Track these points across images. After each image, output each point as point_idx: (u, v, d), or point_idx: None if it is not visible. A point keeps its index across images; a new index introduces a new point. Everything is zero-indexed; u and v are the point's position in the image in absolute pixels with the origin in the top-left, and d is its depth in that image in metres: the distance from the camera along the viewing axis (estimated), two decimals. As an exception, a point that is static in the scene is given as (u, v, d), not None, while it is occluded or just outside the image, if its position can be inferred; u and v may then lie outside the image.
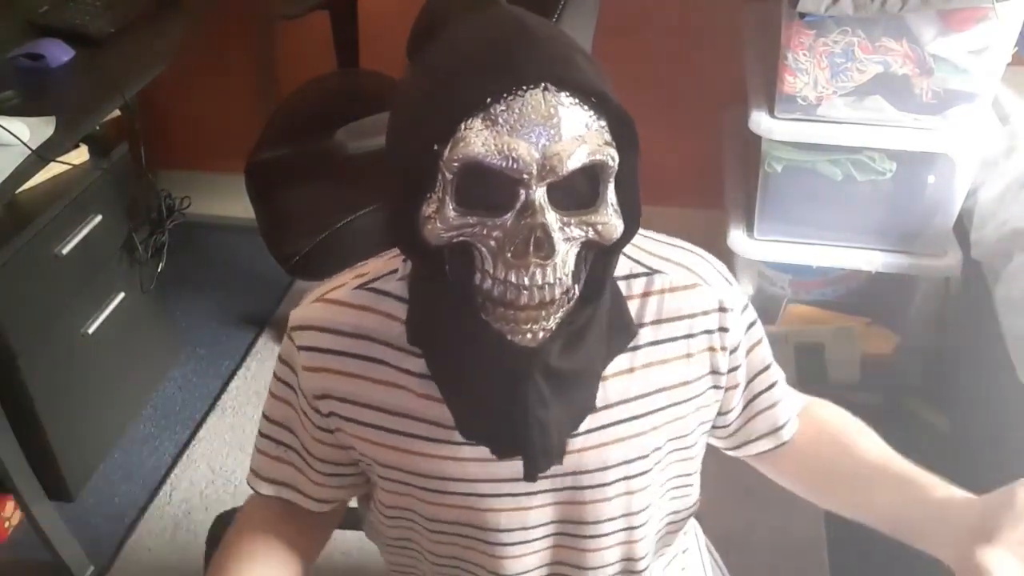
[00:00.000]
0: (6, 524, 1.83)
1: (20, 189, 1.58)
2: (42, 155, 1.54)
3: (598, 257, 0.74)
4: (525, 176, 0.67)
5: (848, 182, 1.82)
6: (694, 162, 2.32)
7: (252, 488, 0.96)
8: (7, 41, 1.80)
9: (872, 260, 1.89)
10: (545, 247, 0.68)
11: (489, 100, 0.67)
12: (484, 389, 0.78)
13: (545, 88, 0.67)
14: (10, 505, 1.82)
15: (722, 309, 0.87)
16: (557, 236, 0.69)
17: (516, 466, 0.80)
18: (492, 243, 0.70)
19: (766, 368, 0.94)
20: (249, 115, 2.35)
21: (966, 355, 1.95)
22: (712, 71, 2.22)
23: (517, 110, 0.66)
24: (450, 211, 0.69)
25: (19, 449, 1.60)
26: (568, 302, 0.73)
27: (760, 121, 1.77)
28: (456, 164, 0.67)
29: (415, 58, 0.75)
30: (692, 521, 1.09)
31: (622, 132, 0.71)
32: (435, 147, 0.68)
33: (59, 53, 1.77)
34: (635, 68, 2.27)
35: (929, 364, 2.04)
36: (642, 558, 0.93)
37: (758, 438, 0.96)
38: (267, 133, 2.07)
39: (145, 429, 2.08)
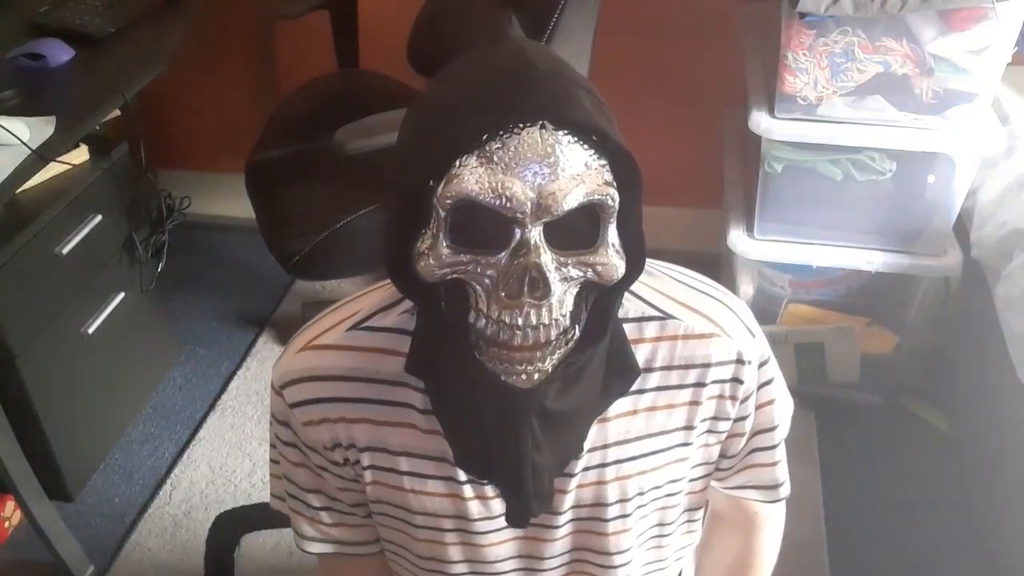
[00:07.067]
0: (6, 524, 1.83)
1: (20, 189, 1.58)
2: (42, 155, 1.54)
3: (600, 298, 0.72)
4: (519, 215, 0.65)
5: (848, 182, 1.82)
6: (694, 162, 2.32)
7: (304, 551, 0.94)
8: (7, 41, 1.80)
9: (872, 260, 1.89)
10: (540, 287, 0.66)
11: (485, 137, 0.65)
12: (480, 429, 0.77)
13: (543, 126, 0.65)
14: (10, 505, 1.82)
15: (739, 361, 0.84)
16: (553, 276, 0.67)
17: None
18: (487, 281, 0.68)
19: (772, 428, 0.91)
20: (249, 115, 2.35)
21: (966, 355, 1.95)
22: (712, 71, 2.22)
23: (513, 148, 0.65)
24: (444, 248, 0.68)
25: (19, 449, 1.60)
26: (566, 343, 0.71)
27: (760, 121, 1.77)
28: (449, 201, 0.66)
29: (422, 89, 0.74)
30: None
31: (624, 172, 0.69)
32: (430, 183, 0.67)
33: (59, 53, 1.77)
34: (635, 68, 2.28)
35: (929, 364, 2.04)
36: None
37: (752, 487, 0.96)
38: (267, 133, 2.07)
39: (145, 429, 2.08)
